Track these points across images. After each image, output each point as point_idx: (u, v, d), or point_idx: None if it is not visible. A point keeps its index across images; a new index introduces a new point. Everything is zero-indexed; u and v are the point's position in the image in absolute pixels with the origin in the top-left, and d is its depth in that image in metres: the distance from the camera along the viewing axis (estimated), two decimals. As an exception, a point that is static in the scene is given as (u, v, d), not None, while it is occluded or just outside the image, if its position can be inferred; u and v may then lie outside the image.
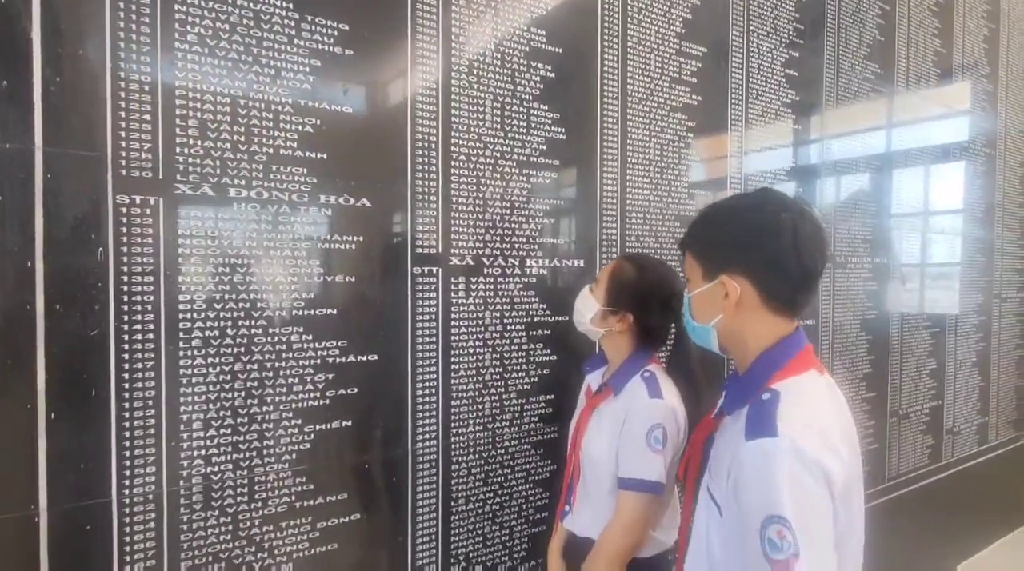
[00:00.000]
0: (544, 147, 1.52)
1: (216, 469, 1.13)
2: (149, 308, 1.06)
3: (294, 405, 1.21)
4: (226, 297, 1.13)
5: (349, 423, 1.27)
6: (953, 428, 2.82)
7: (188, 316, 1.09)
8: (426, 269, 1.35)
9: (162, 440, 1.08)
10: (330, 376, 1.24)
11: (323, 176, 1.22)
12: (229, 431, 1.14)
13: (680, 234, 0.94)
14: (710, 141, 1.86)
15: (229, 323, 1.13)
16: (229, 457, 1.15)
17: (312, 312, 1.22)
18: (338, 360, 1.25)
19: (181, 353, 1.09)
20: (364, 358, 1.28)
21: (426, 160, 1.35)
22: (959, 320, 2.81)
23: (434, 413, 1.38)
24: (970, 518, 2.96)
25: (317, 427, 1.24)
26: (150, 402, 1.06)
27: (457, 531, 1.43)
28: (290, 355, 1.20)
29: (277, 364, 1.19)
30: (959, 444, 2.86)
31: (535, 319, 1.52)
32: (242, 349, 1.15)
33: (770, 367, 0.86)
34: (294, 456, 1.21)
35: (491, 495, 1.48)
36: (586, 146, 1.59)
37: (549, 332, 1.54)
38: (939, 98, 2.61)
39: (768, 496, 0.73)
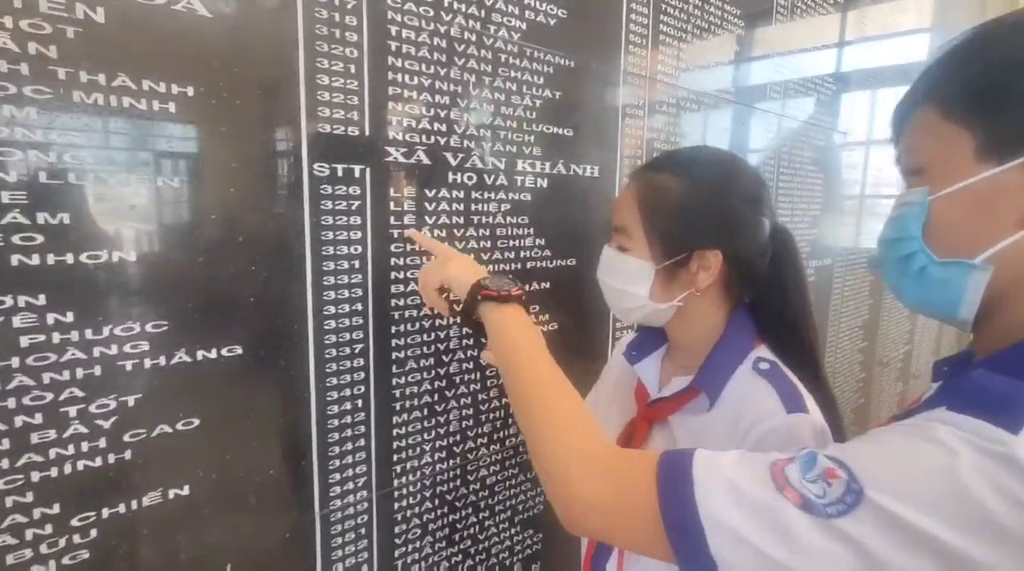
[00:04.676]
0: (547, -44, 0.85)
1: None
2: None
3: (45, 473, 0.52)
4: None
5: (184, 490, 0.60)
6: (915, 372, 2.63)
7: None
8: (340, 169, 0.67)
9: None
10: (132, 399, 0.56)
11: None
12: None
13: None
14: None
15: None
16: None
17: (73, 259, 0.51)
18: (149, 362, 0.57)
19: None
20: (210, 354, 0.60)
21: (333, -70, 0.64)
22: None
23: (362, 443, 0.74)
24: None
25: (106, 512, 0.56)
26: None
27: (406, 629, 0.83)
28: (25, 360, 0.50)
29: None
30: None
31: (528, 265, 0.90)
32: None
33: None
34: (49, 586, 0.53)
35: (459, 560, 0.89)
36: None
37: (548, 285, 0.93)
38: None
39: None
